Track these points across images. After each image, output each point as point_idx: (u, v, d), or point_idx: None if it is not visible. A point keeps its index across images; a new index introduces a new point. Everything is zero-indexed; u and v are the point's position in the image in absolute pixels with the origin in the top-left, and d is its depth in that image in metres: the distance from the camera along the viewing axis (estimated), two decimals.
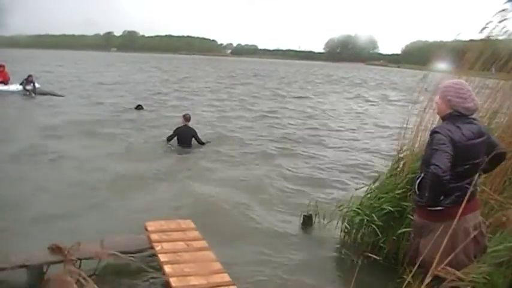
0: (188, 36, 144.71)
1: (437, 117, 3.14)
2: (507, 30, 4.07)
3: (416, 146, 4.28)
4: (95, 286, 2.71)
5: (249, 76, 40.13)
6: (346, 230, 4.67)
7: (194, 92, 22.06)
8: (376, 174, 4.96)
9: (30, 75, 17.38)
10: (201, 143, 9.35)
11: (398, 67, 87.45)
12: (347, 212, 4.62)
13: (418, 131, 4.32)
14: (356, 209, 4.47)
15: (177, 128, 9.32)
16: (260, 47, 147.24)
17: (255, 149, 9.69)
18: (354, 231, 4.56)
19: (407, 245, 3.34)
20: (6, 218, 5.04)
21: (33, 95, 16.70)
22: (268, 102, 19.30)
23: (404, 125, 4.56)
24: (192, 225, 4.37)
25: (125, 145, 9.33)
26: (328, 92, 27.52)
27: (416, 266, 2.12)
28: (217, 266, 3.59)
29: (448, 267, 1.85)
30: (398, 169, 4.43)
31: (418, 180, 2.74)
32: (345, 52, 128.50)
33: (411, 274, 2.05)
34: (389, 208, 4.10)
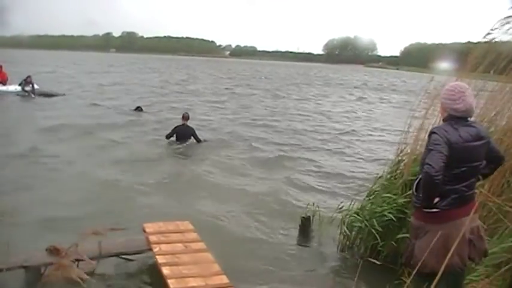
0: (187, 38, 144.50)
1: (439, 119, 3.16)
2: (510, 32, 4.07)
3: (418, 147, 4.28)
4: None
5: (248, 77, 40.12)
6: (345, 234, 4.65)
7: (194, 94, 22.06)
8: (376, 177, 4.95)
9: (29, 76, 17.36)
10: (199, 141, 9.46)
11: (397, 69, 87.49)
12: (346, 215, 4.61)
13: (418, 133, 4.31)
14: (355, 215, 4.46)
15: (176, 127, 9.43)
16: (259, 48, 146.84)
17: (254, 151, 9.69)
18: (353, 234, 4.55)
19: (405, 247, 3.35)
20: (5, 219, 5.02)
21: (32, 95, 16.69)
22: (267, 104, 19.31)
23: (405, 128, 4.57)
24: (191, 226, 4.37)
25: (124, 147, 9.33)
26: (328, 94, 27.54)
27: (411, 266, 2.12)
28: (216, 267, 3.59)
29: None
30: (398, 171, 4.43)
31: (416, 182, 2.76)
32: (344, 54, 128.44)
33: (410, 277, 2.05)
34: (391, 216, 4.09)
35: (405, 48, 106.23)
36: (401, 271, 3.61)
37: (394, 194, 4.23)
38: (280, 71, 59.02)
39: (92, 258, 3.77)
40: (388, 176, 4.53)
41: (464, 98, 2.66)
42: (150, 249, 3.95)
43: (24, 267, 3.59)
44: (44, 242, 3.80)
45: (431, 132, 2.68)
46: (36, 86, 17.23)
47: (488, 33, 4.06)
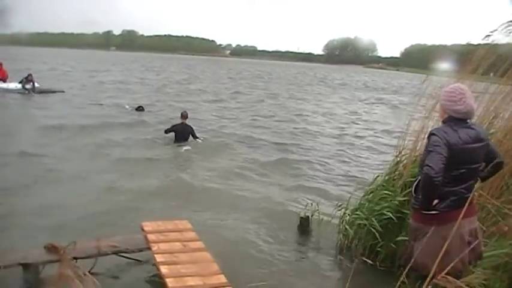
0: (187, 36, 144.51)
1: (438, 121, 3.16)
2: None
3: (418, 148, 4.27)
4: (95, 280, 2.71)
5: (248, 77, 40.12)
6: (344, 233, 4.66)
7: (195, 93, 22.05)
8: (374, 177, 4.95)
9: (29, 74, 17.34)
10: (196, 138, 9.58)
11: (397, 70, 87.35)
12: (345, 213, 4.61)
13: (418, 135, 4.31)
14: (354, 213, 4.46)
15: (175, 125, 9.47)
16: (259, 48, 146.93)
17: (254, 152, 9.70)
18: (352, 234, 4.54)
19: (403, 248, 3.35)
20: (3, 217, 5.03)
21: (32, 93, 16.67)
22: (267, 104, 19.31)
23: (405, 129, 4.56)
24: (189, 225, 4.36)
25: (124, 147, 9.30)
26: (329, 94, 27.55)
27: (410, 268, 2.12)
28: (214, 267, 3.58)
29: (448, 277, 1.83)
30: (397, 172, 4.43)
31: (416, 183, 2.75)
32: (344, 54, 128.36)
33: (412, 281, 2.04)
34: (390, 215, 4.07)
35: (405, 49, 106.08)
36: (399, 273, 3.61)
37: (392, 192, 4.22)
38: (280, 71, 59.03)
39: (90, 256, 3.77)
40: (387, 178, 4.52)
41: (464, 100, 2.66)
42: (149, 248, 3.95)
43: (22, 264, 3.58)
44: (42, 240, 3.79)
45: (431, 134, 2.68)
46: (36, 84, 17.22)
47: (488, 35, 4.05)
